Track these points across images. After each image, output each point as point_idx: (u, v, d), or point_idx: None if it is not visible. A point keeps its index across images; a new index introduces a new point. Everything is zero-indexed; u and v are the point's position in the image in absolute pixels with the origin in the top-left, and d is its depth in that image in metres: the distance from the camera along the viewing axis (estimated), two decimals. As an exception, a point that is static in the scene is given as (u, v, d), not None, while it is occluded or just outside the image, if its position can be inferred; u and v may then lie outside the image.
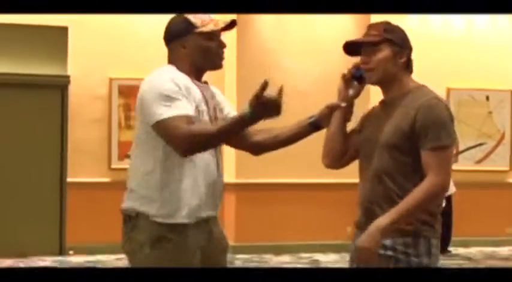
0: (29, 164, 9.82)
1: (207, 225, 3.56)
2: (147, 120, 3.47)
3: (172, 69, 3.53)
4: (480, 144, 10.58)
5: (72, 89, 9.74)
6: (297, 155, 9.12)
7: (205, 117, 3.54)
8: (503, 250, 10.24)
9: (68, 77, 9.77)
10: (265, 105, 3.37)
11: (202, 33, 3.56)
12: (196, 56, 3.56)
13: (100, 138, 9.70)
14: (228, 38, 9.37)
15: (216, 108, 3.62)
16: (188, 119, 3.40)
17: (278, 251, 9.65)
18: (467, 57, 10.59)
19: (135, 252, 3.52)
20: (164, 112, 3.39)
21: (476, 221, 10.28)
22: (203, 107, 3.53)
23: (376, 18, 9.92)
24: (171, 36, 3.61)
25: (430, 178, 3.22)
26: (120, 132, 9.67)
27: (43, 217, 9.79)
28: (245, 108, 3.39)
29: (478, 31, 10.97)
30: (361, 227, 3.42)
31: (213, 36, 3.57)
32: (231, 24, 3.62)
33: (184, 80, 3.49)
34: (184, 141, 3.38)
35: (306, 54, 9.88)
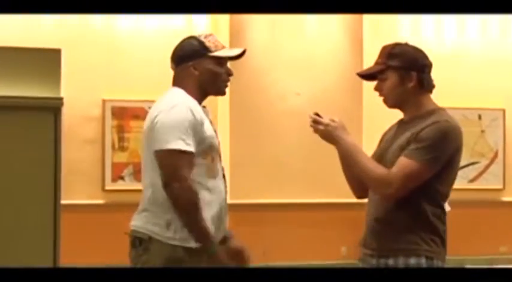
0: (22, 187, 9.56)
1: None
2: (156, 145, 3.46)
3: (183, 94, 3.54)
4: (473, 163, 10.58)
5: (65, 111, 9.63)
6: (291, 176, 9.12)
7: (217, 152, 3.59)
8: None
9: (61, 98, 9.62)
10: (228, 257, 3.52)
11: (214, 58, 3.58)
12: (206, 80, 3.57)
13: (93, 160, 9.67)
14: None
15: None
16: (191, 160, 3.41)
17: None
18: (458, 76, 10.59)
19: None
20: (175, 144, 3.39)
21: (470, 240, 10.25)
22: (215, 141, 3.59)
23: (369, 25, 10.03)
24: (182, 58, 3.61)
25: (390, 174, 3.25)
26: (113, 153, 9.64)
27: (36, 240, 9.51)
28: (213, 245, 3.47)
29: (470, 50, 10.98)
30: (366, 245, 3.42)
31: (224, 62, 3.61)
32: (242, 53, 3.66)
33: (198, 109, 3.51)
34: (177, 186, 3.36)
35: (300, 73, 9.83)
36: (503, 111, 10.87)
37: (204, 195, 3.48)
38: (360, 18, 10.12)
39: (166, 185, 3.41)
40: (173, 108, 3.47)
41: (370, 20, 10.24)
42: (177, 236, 3.45)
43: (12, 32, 9.57)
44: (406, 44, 3.51)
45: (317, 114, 3.55)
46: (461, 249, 10.10)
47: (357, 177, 3.46)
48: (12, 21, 9.55)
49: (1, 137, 9.84)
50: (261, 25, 9.92)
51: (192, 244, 3.45)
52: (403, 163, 3.24)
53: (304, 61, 9.79)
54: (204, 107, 3.64)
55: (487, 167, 10.72)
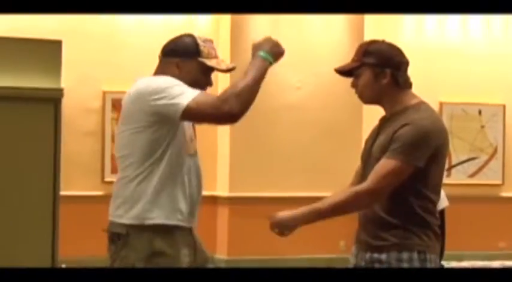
0: (21, 178, 9.51)
1: (192, 237, 3.53)
2: (171, 114, 3.35)
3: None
4: (473, 158, 10.50)
5: (65, 102, 9.54)
6: (290, 169, 9.15)
7: (190, 129, 3.57)
8: (496, 264, 10.25)
9: (61, 90, 9.66)
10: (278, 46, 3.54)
11: (201, 64, 3.53)
12: (184, 80, 3.49)
13: (93, 152, 9.71)
14: (223, 50, 9.41)
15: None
16: (205, 93, 3.41)
17: (270, 265, 9.49)
18: (459, 71, 10.64)
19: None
20: (183, 98, 3.32)
21: (469, 235, 10.30)
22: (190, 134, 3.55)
23: (371, 21, 10.03)
24: (172, 51, 3.57)
25: (366, 184, 3.27)
26: (113, 145, 9.63)
27: (35, 231, 9.49)
28: (260, 53, 3.47)
29: (471, 46, 11.01)
30: (359, 241, 3.47)
31: (209, 71, 3.56)
32: (230, 70, 3.63)
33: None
34: (222, 106, 3.30)
35: (301, 68, 9.89)
36: (504, 106, 10.90)
37: (176, 174, 3.45)
38: (361, 15, 10.11)
39: (226, 116, 3.39)
40: (149, 84, 3.50)
41: (372, 17, 10.23)
42: (155, 215, 3.41)
43: (12, 23, 9.51)
44: (383, 42, 3.52)
45: None
46: (460, 244, 10.09)
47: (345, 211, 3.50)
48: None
49: (0, 128, 9.92)
50: (262, 21, 9.93)
51: (175, 221, 3.42)
52: (382, 164, 3.29)
53: (305, 56, 9.82)
54: None
55: (487, 162, 10.75)
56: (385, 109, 3.47)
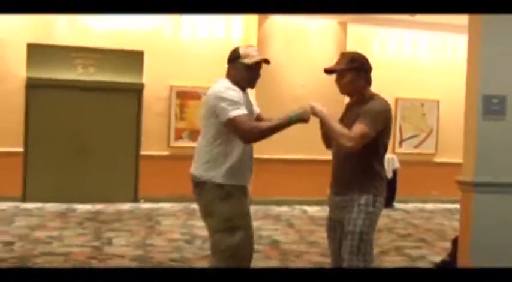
0: (117, 142, 9.77)
1: (247, 189, 3.44)
2: (220, 118, 3.29)
3: (227, 82, 3.40)
4: (416, 135, 10.62)
5: (145, 93, 9.74)
6: (293, 140, 8.95)
7: (253, 116, 3.44)
8: (430, 206, 10.29)
9: (142, 84, 9.74)
10: (306, 115, 3.28)
11: (243, 64, 3.41)
12: (237, 77, 3.40)
13: (163, 126, 9.70)
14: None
15: (253, 109, 3.51)
16: (248, 117, 3.30)
17: (280, 204, 9.62)
18: (409, 77, 10.56)
19: (208, 205, 3.35)
20: (233, 113, 3.27)
21: (413, 186, 10.30)
22: (250, 109, 3.45)
23: (352, 34, 9.92)
24: (228, 59, 3.46)
25: (351, 132, 3.16)
26: (176, 122, 9.69)
27: (125, 177, 9.77)
28: (290, 113, 3.29)
29: (418, 59, 10.83)
30: (332, 188, 3.42)
31: (250, 69, 3.41)
32: (265, 61, 3.47)
33: (238, 89, 3.39)
34: (248, 133, 3.26)
35: (305, 71, 9.77)
36: (438, 101, 10.82)
37: (239, 147, 3.33)
38: (344, 33, 10.06)
39: (243, 138, 3.27)
40: (220, 92, 3.34)
41: (352, 34, 10.15)
42: (227, 178, 3.31)
43: (111, 39, 9.61)
44: (359, 53, 3.43)
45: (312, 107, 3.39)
46: (406, 192, 10.28)
47: (328, 135, 3.40)
48: (110, 30, 9.55)
49: (104, 109, 9.81)
50: (279, 37, 9.79)
51: (240, 182, 3.33)
52: (357, 126, 3.19)
53: (308, 63, 9.77)
54: (244, 91, 3.45)
55: (425, 138, 10.72)
56: (354, 98, 3.38)
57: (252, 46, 3.52)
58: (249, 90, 3.52)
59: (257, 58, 3.40)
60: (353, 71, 3.30)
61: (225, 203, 3.29)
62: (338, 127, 3.22)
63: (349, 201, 3.28)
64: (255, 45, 3.63)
